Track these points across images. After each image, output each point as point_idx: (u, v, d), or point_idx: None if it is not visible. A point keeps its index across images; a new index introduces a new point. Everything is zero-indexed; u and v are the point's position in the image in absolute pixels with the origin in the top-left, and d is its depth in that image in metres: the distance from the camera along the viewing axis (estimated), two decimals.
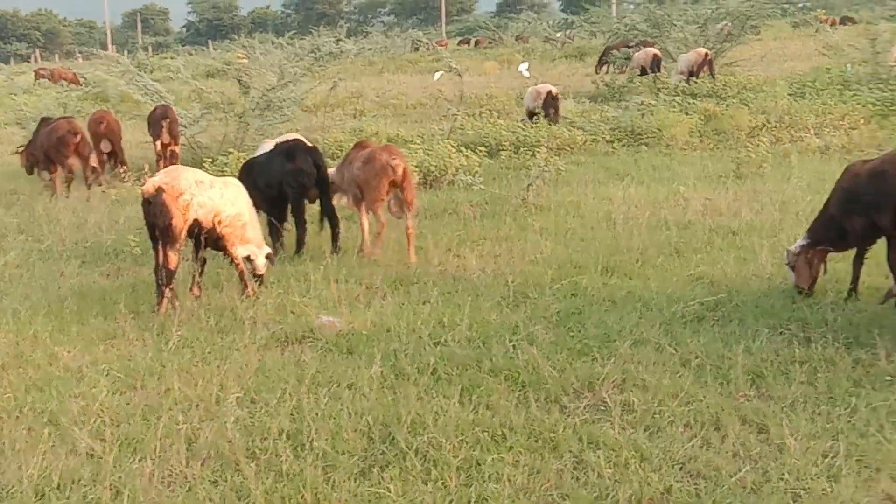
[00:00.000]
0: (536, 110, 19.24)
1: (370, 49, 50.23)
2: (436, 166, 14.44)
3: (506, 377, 6.50)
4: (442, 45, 62.34)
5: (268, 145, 11.77)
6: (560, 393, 6.16)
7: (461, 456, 5.31)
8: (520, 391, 6.28)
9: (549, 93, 19.24)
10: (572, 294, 8.51)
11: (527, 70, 32.03)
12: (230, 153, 15.33)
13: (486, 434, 5.61)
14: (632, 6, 40.46)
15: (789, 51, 32.76)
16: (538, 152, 14.64)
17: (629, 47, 28.09)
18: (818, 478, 4.85)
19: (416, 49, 53.98)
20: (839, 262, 8.25)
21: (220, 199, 8.58)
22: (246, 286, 8.86)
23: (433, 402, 6.10)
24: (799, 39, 35.47)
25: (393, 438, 5.59)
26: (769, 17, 30.38)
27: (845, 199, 7.68)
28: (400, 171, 9.82)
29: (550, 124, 18.10)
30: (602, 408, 5.96)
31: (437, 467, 5.21)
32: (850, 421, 5.51)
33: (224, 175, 11.60)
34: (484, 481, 5.07)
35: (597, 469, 5.10)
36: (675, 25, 28.12)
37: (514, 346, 7.01)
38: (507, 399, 6.13)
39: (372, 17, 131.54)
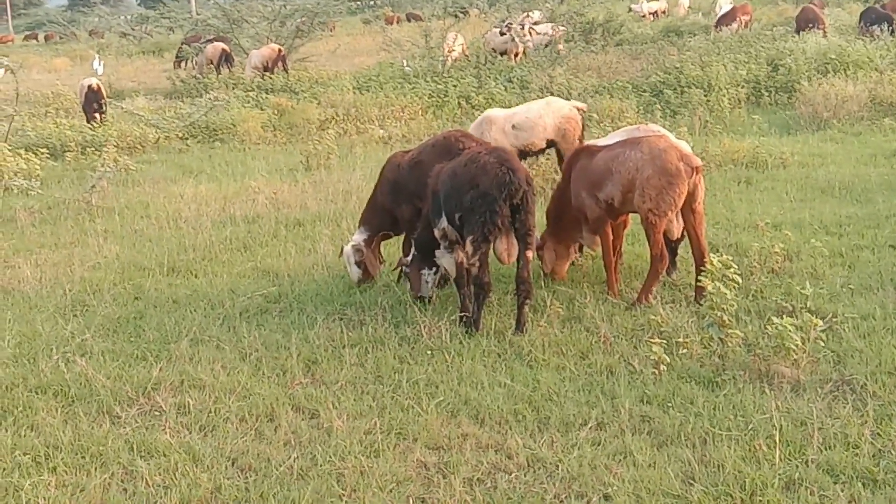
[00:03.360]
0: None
1: None
2: None
3: (54, 393, 6.14)
4: (6, 41, 57.61)
5: None
6: (112, 403, 5.91)
7: None
8: (69, 406, 5.96)
9: (90, 87, 18.46)
10: (135, 298, 8.24)
11: (101, 66, 30.46)
12: None
13: (27, 457, 5.26)
14: (211, 1, 40.11)
15: (359, 46, 34.15)
16: (105, 152, 14.02)
17: (201, 42, 27.76)
18: (360, 455, 5.08)
19: None
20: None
21: None
22: None
23: None
24: (369, 35, 37.04)
25: None
26: (339, 14, 31.51)
27: (391, 189, 8.11)
28: None
29: (90, 121, 17.53)
30: (157, 413, 5.82)
31: None
32: (393, 397, 5.84)
33: None
34: None
35: (146, 477, 4.96)
36: (249, 22, 28.24)
37: (65, 358, 6.62)
38: (54, 416, 5.78)
39: None
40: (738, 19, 24.44)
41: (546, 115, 10.02)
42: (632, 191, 7.05)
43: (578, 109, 10.23)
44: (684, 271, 7.77)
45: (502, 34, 22.62)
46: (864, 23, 21.05)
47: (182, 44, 31.06)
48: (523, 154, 10.02)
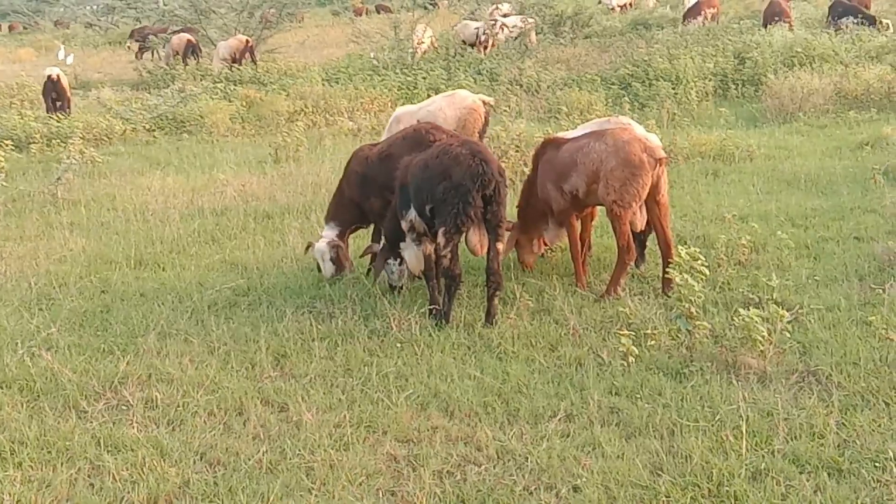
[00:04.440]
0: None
1: None
2: None
3: (20, 388, 6.08)
4: None
5: None
6: (79, 397, 5.86)
7: None
8: (35, 401, 5.90)
9: (49, 77, 18.29)
10: (102, 291, 8.17)
11: (69, 56, 30.09)
12: None
13: None
14: None
15: (328, 38, 33.96)
16: (71, 144, 13.86)
17: (168, 33, 27.53)
18: (329, 448, 5.07)
19: None
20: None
21: None
22: None
23: None
24: (338, 27, 36.82)
25: None
26: (307, 5, 31.30)
27: (360, 183, 8.07)
28: None
29: (48, 111, 17.47)
30: (124, 407, 5.77)
31: None
32: (363, 390, 5.84)
33: None
34: None
35: (113, 472, 4.92)
36: (216, 12, 28.03)
37: (30, 352, 6.56)
38: (20, 411, 5.73)
39: None
40: (703, 12, 24.55)
41: (446, 107, 10.02)
42: (596, 182, 7.11)
43: (484, 103, 10.22)
44: (652, 263, 7.81)
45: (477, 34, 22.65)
46: (832, 16, 21.27)
47: (130, 35, 30.78)
48: None
